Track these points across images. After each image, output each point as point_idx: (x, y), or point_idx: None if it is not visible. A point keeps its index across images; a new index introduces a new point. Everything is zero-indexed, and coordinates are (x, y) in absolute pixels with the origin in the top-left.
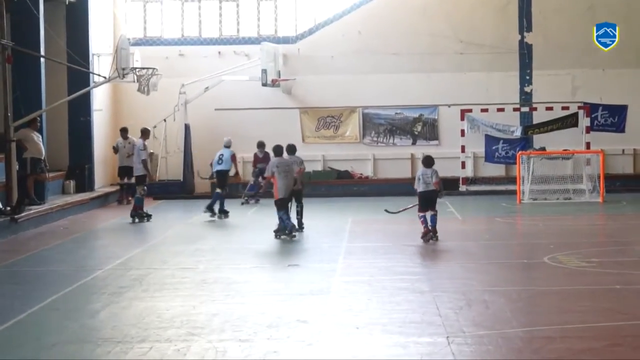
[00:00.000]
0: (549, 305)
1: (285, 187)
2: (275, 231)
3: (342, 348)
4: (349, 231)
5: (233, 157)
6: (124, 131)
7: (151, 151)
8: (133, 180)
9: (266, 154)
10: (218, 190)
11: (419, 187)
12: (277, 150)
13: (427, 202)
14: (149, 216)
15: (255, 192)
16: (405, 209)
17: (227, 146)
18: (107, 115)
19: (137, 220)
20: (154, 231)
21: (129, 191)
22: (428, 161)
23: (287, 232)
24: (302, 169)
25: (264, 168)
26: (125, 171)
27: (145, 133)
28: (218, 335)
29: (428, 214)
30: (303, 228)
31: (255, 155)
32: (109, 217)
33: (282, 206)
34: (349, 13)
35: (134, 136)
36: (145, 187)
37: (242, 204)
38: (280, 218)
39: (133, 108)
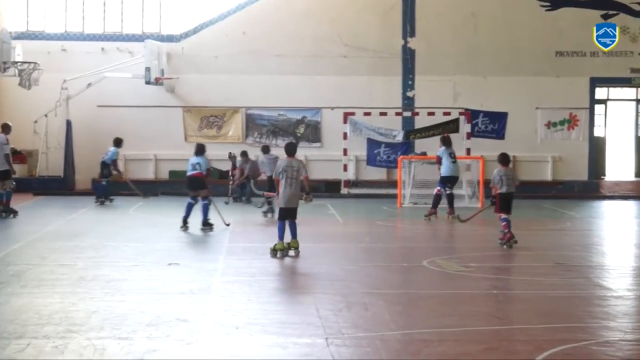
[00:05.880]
0: (427, 308)
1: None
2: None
3: (221, 348)
4: (230, 231)
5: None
6: None
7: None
8: None
9: None
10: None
11: (502, 188)
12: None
13: (509, 203)
14: (15, 212)
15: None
16: (476, 215)
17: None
18: None
19: (4, 215)
20: (32, 227)
21: None
22: (506, 159)
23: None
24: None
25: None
26: None
27: (6, 128)
28: (97, 332)
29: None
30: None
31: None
32: None
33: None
34: (233, 13)
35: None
36: (14, 182)
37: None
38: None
39: (14, 102)
